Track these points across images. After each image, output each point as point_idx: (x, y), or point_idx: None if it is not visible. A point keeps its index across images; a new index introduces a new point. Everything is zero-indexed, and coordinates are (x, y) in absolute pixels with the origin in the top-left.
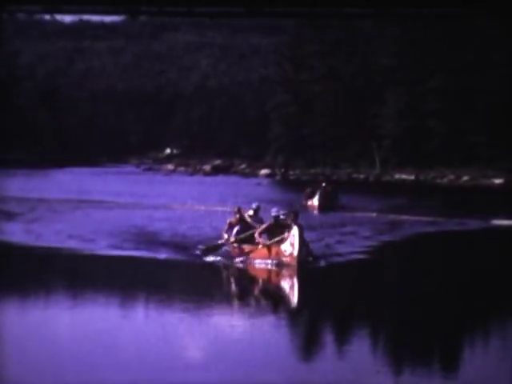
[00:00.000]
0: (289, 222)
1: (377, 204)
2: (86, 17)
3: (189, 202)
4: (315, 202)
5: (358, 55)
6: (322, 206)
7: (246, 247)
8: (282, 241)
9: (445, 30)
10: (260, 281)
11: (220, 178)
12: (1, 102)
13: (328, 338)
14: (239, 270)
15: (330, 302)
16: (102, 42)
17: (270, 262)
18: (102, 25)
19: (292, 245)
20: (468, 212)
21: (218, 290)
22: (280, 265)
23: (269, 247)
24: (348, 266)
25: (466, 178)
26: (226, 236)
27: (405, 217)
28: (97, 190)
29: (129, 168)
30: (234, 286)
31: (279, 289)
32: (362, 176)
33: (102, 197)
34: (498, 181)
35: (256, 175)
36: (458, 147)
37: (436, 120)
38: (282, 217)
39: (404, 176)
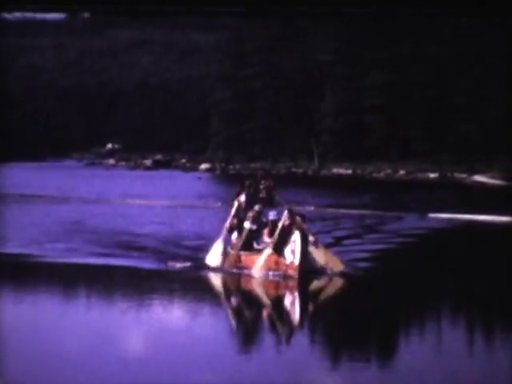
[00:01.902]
0: (293, 226)
1: (315, 199)
2: (28, 14)
3: (128, 196)
4: (242, 199)
5: (298, 52)
6: (248, 203)
7: (244, 255)
8: (281, 247)
9: (380, 27)
10: (255, 294)
11: (161, 173)
12: None
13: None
14: (234, 281)
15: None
16: (44, 38)
17: (269, 272)
18: (45, 22)
19: (293, 252)
20: (405, 205)
21: (207, 303)
22: (280, 275)
23: (268, 255)
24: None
25: (402, 172)
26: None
27: (342, 210)
28: (40, 184)
29: (71, 162)
30: (227, 300)
31: (278, 304)
32: (300, 170)
33: (45, 191)
34: (433, 175)
35: (197, 169)
36: (394, 142)
37: (373, 115)
38: (285, 221)
39: (341, 170)
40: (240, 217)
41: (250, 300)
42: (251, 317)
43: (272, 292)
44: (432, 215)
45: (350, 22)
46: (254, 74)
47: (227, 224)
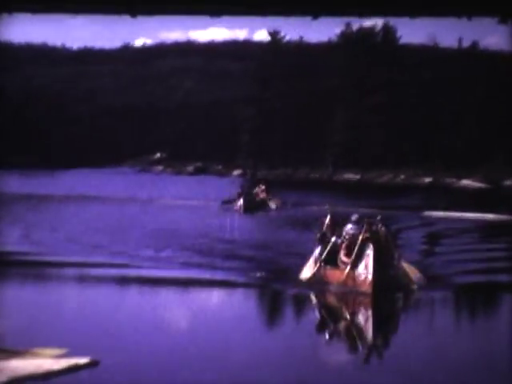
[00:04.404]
0: (368, 240)
1: (329, 200)
2: (89, 44)
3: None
4: (240, 202)
5: (312, 77)
6: (245, 207)
7: (328, 270)
8: (357, 262)
9: (381, 57)
10: (332, 310)
11: (201, 177)
12: (19, 116)
13: None
14: (316, 295)
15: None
16: (103, 66)
17: (347, 288)
18: (103, 51)
19: (366, 267)
20: (404, 205)
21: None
22: (356, 292)
23: (342, 271)
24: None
25: (401, 177)
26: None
27: (352, 209)
28: (106, 187)
29: (125, 169)
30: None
31: (352, 322)
32: (316, 176)
33: (108, 194)
34: (427, 179)
35: (230, 175)
36: (394, 152)
37: (375, 130)
38: (363, 235)
39: (351, 176)
40: (325, 231)
41: (328, 315)
42: (329, 333)
43: (348, 308)
44: (427, 213)
45: (356, 52)
46: (276, 96)
47: (318, 235)
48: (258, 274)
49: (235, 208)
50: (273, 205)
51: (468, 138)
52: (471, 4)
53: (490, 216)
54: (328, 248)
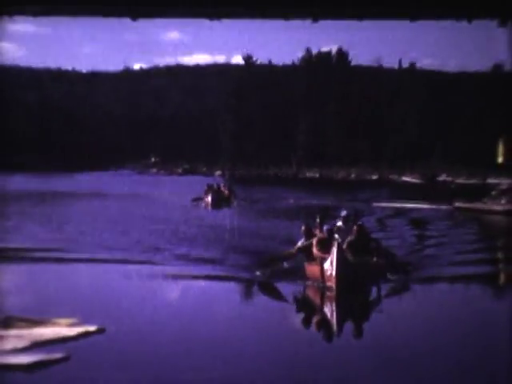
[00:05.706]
0: (334, 236)
1: (293, 195)
2: (97, 68)
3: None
4: (208, 199)
5: (281, 90)
6: (214, 203)
7: (306, 263)
8: (325, 258)
9: (337, 75)
10: (307, 303)
11: (188, 177)
12: (39, 127)
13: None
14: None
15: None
16: (105, 85)
17: (320, 283)
18: (107, 73)
19: (331, 263)
20: (357, 198)
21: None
22: (325, 287)
23: (317, 266)
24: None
25: (353, 174)
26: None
27: (314, 201)
28: (116, 187)
29: (126, 171)
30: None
31: (321, 317)
32: (283, 174)
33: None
34: (374, 177)
35: (212, 175)
36: (348, 153)
37: (333, 134)
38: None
39: (312, 174)
40: (309, 223)
41: (304, 307)
42: (306, 323)
43: (319, 301)
44: (375, 204)
45: (316, 72)
46: (251, 108)
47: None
48: (240, 263)
49: (203, 204)
50: (234, 201)
51: (408, 141)
52: (471, 7)
53: (425, 205)
54: (308, 242)
